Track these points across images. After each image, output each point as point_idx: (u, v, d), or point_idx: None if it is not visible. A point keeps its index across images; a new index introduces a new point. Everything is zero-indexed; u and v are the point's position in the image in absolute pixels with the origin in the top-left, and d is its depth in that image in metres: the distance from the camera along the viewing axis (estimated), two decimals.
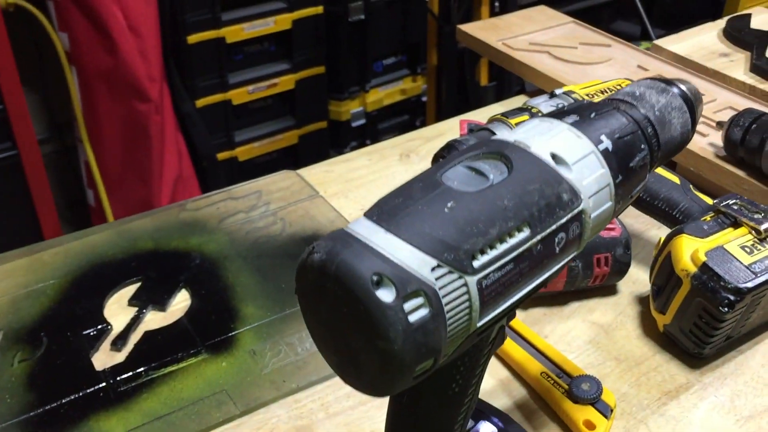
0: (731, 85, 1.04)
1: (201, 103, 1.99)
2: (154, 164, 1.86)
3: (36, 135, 1.88)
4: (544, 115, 0.42)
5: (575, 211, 0.38)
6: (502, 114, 0.77)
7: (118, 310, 0.70)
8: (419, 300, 0.32)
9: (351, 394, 0.63)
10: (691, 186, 0.74)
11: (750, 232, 0.65)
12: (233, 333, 0.67)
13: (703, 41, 1.15)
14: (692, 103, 0.47)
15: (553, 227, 0.37)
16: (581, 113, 0.42)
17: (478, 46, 1.11)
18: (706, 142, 0.88)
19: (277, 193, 0.84)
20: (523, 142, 0.39)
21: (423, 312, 0.32)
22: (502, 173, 0.37)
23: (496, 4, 2.11)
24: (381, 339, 0.32)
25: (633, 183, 0.42)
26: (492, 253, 0.34)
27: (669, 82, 0.48)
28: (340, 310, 0.33)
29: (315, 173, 0.89)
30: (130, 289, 0.71)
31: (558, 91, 0.80)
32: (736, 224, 0.66)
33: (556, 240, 0.37)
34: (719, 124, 0.86)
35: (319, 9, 2.08)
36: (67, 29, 1.74)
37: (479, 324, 0.35)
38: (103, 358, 0.65)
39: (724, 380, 0.65)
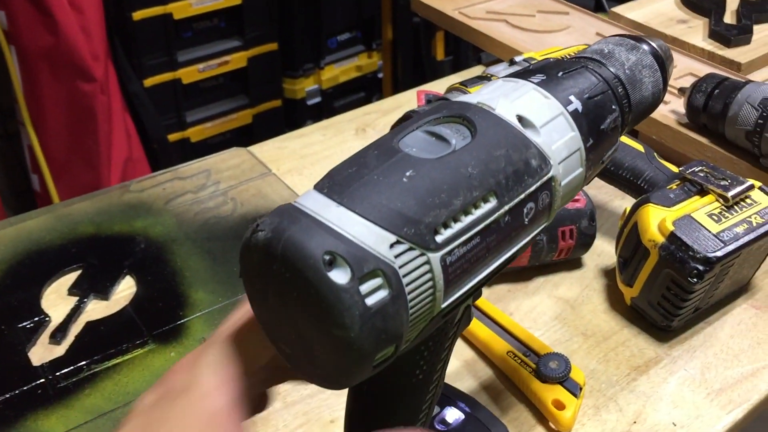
0: (690, 51, 1.02)
1: (149, 82, 1.92)
2: (102, 147, 1.80)
3: None
4: (508, 76, 0.39)
5: (545, 178, 0.35)
6: (461, 83, 0.74)
7: (57, 300, 0.65)
8: (377, 281, 0.29)
9: None
10: (655, 154, 0.72)
11: (717, 200, 0.63)
12: (182, 321, 0.63)
13: (660, 8, 1.13)
14: (663, 60, 0.44)
15: (522, 196, 0.34)
16: (548, 72, 0.39)
17: (435, 16, 1.08)
18: (668, 109, 0.86)
19: (227, 172, 0.80)
20: (487, 103, 0.35)
21: (382, 294, 0.29)
22: (465, 138, 0.33)
23: None
24: (336, 326, 0.28)
25: (604, 147, 0.39)
26: (456, 227, 0.31)
27: (639, 39, 0.45)
28: (290, 295, 0.29)
29: (267, 150, 0.85)
30: (69, 278, 0.67)
31: (518, 59, 0.77)
32: (703, 192, 0.64)
33: (525, 210, 0.34)
34: (681, 91, 0.84)
35: None
36: (4, 7, 1.66)
37: (444, 305, 0.32)
38: (42, 352, 0.60)
39: (694, 353, 0.63)
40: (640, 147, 0.72)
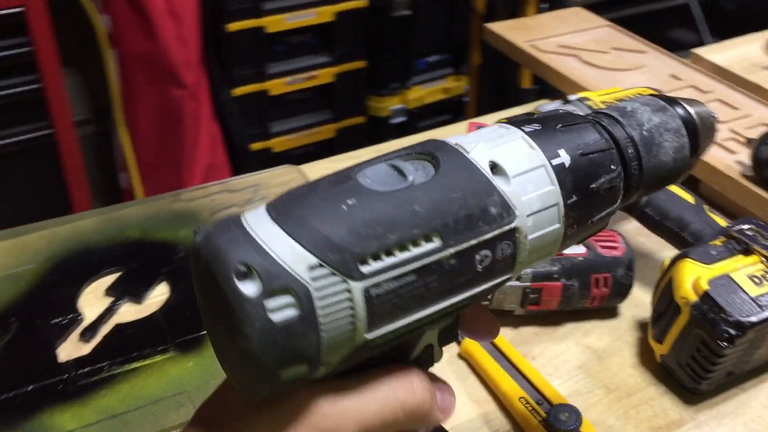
0: None
1: (238, 92, 1.98)
2: (187, 151, 1.86)
3: (77, 116, 1.91)
4: (506, 120, 0.39)
5: (505, 228, 0.34)
6: (507, 119, 0.73)
7: (93, 299, 0.68)
8: (287, 299, 0.29)
9: None
10: (705, 206, 0.69)
11: (762, 261, 0.60)
12: (205, 332, 0.64)
13: (746, 52, 1.09)
14: (695, 126, 0.42)
15: (473, 242, 0.33)
16: (547, 123, 0.38)
17: (505, 47, 1.07)
18: (734, 159, 0.82)
19: (275, 188, 0.82)
20: (464, 146, 0.35)
21: (290, 312, 0.29)
22: (427, 176, 0.33)
23: (544, 5, 2.04)
24: (240, 335, 0.29)
25: (594, 207, 0.37)
26: (388, 261, 0.31)
27: (672, 101, 0.43)
28: (211, 299, 0.31)
29: (318, 170, 0.86)
30: (109, 279, 0.70)
31: (572, 97, 0.76)
32: (748, 251, 0.61)
33: (478, 257, 0.33)
34: (749, 142, 0.80)
35: (363, 2, 2.05)
36: (109, 11, 1.75)
37: (370, 336, 0.31)
38: (70, 349, 0.63)
39: (722, 419, 0.60)
40: (690, 198, 0.69)
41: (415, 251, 0.31)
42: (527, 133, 0.36)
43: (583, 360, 0.64)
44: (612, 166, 0.38)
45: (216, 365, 0.60)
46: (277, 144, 2.11)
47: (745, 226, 0.63)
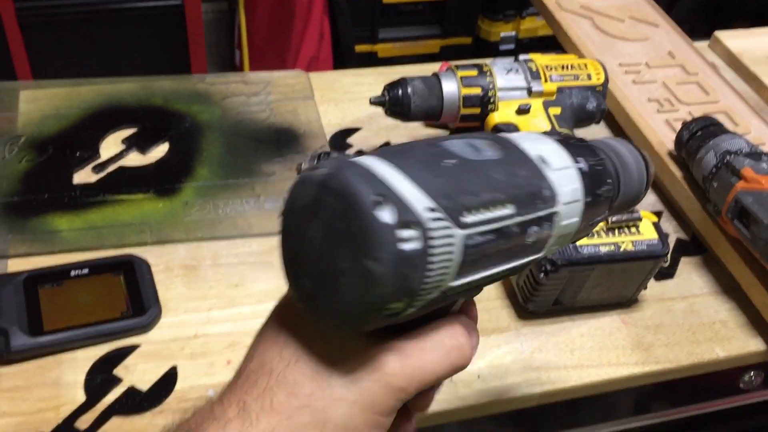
0: (762, 94, 1.04)
1: None
2: (294, 41, 2.06)
3: None
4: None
5: (550, 210, 0.39)
6: (456, 65, 0.86)
7: (111, 144, 0.89)
8: (415, 232, 0.32)
9: (240, 254, 0.79)
10: None
11: (605, 222, 0.73)
12: (179, 185, 0.84)
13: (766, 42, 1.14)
14: (648, 166, 0.49)
15: (531, 216, 0.38)
16: (565, 138, 0.45)
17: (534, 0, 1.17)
18: (672, 138, 0.91)
19: (281, 88, 0.99)
20: (515, 140, 0.41)
21: (416, 245, 0.32)
22: (495, 154, 0.39)
23: None
24: (370, 258, 0.32)
25: (596, 210, 0.44)
26: (480, 217, 0.35)
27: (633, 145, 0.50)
28: (335, 226, 0.33)
29: (324, 79, 1.03)
30: (128, 131, 0.91)
31: (522, 57, 0.88)
32: None
33: (529, 231, 0.38)
34: (684, 123, 0.90)
35: None
36: None
37: (453, 284, 0.35)
38: (82, 176, 0.85)
39: (538, 336, 0.74)
40: None
41: (497, 213, 0.36)
42: (555, 140, 0.43)
43: None
44: (608, 180, 0.44)
45: (178, 209, 0.81)
46: (382, 50, 2.26)
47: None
